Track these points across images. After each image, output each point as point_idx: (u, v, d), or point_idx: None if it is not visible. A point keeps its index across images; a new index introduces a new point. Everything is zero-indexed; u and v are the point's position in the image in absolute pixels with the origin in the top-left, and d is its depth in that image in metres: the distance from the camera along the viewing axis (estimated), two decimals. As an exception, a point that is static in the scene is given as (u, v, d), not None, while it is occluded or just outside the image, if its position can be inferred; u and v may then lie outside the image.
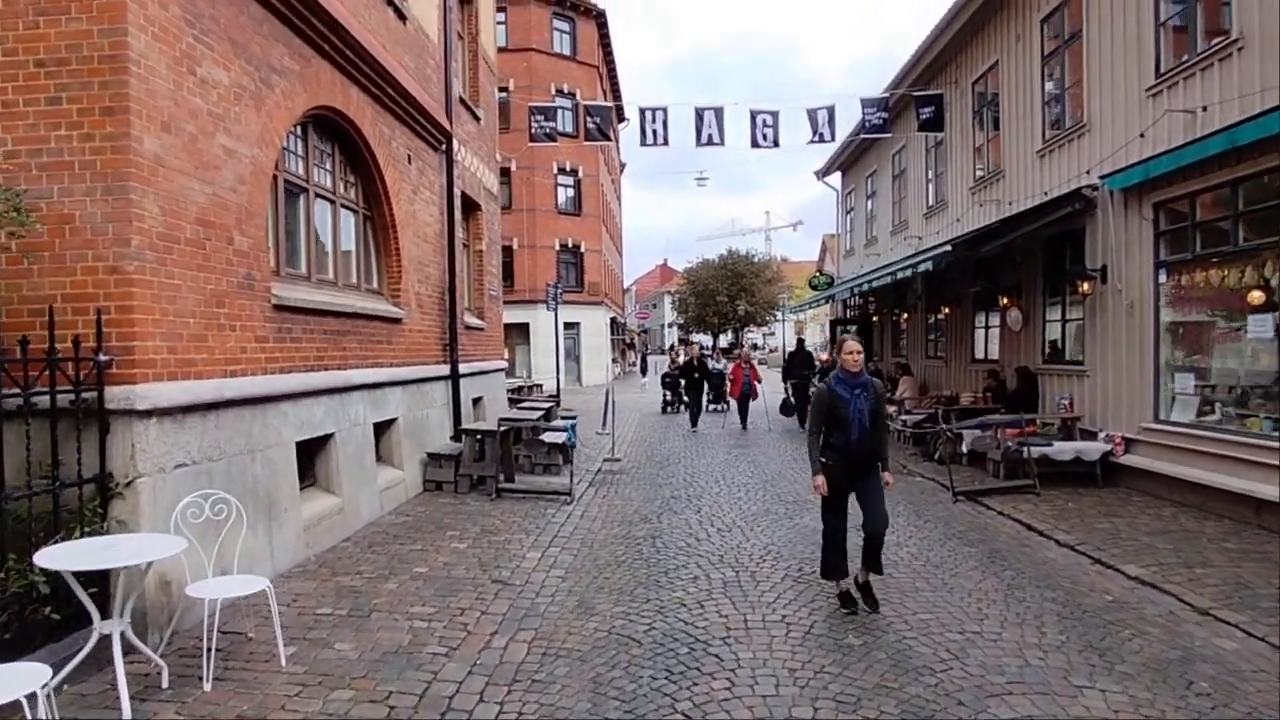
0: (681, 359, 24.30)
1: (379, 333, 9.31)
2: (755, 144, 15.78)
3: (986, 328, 15.02)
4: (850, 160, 25.42)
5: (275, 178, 7.32)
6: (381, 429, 9.51)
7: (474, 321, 13.96)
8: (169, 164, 5.45)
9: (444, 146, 11.95)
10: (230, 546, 5.11)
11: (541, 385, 26.35)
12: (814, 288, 27.07)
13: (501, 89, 36.92)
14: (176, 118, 5.55)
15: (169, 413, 5.31)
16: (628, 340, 62.00)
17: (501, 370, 15.80)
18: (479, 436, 10.45)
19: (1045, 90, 12.69)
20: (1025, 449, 10.28)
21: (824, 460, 5.89)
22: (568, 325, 36.49)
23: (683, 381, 20.04)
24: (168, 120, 5.45)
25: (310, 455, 7.71)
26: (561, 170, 36.91)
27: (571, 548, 7.68)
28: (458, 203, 12.64)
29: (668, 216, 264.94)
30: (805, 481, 10.95)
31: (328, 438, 7.78)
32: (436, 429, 11.16)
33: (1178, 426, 9.34)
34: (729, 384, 18.05)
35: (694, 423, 17.57)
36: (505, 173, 35.65)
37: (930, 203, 17.75)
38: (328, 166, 8.77)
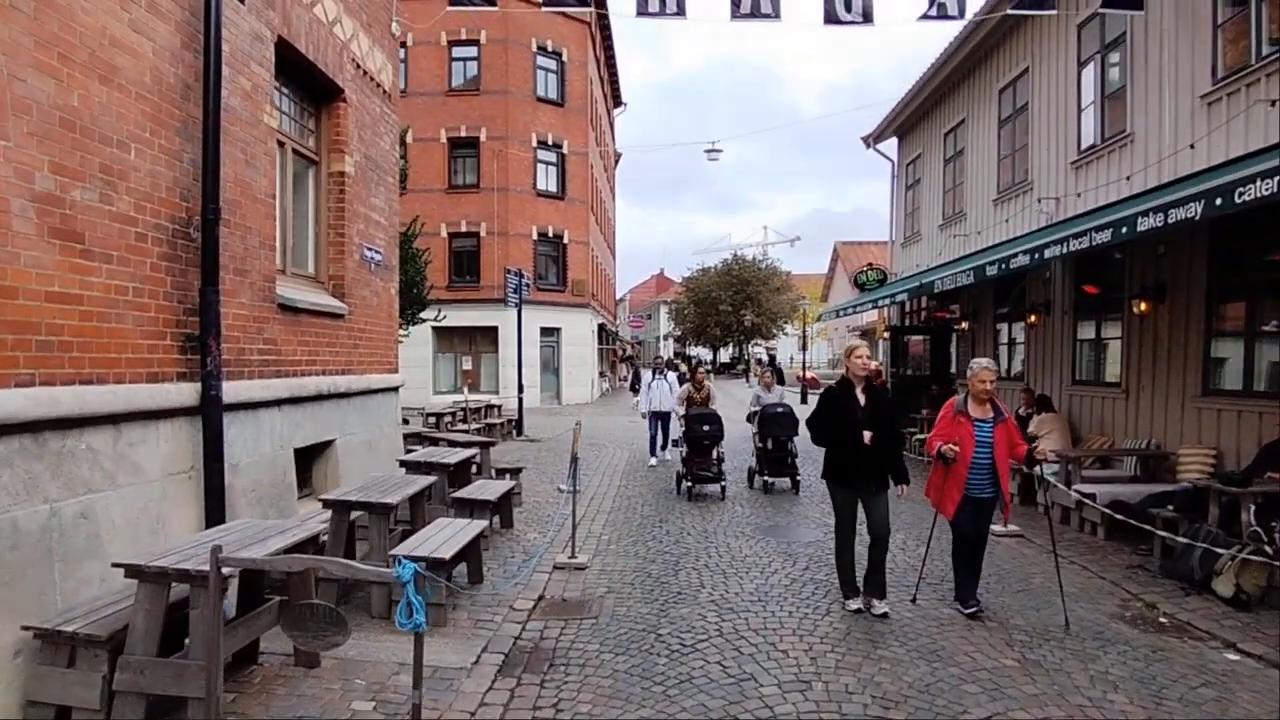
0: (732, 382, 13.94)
1: None
2: (832, 19, 9.31)
3: (1250, 335, 8.48)
4: (917, 117, 19.06)
5: None
6: None
7: (318, 301, 7.47)
8: None
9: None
10: None
11: (499, 406, 19.90)
12: (861, 286, 20.61)
13: (470, 41, 30.64)
14: None
15: None
16: (620, 352, 55.44)
17: (390, 390, 9.26)
18: (169, 588, 3.82)
19: None
20: None
21: None
22: (545, 331, 30.07)
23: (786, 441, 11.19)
24: None
25: None
26: (542, 143, 30.46)
27: None
28: (233, 30, 6.19)
29: (660, 234, 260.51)
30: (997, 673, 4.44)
31: None
32: (131, 542, 4.64)
33: None
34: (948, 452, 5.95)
35: (866, 590, 6.12)
36: (473, 143, 29.49)
37: (1091, 142, 11.28)
38: None
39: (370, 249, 8.69)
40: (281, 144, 7.21)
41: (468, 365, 29.80)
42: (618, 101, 46.05)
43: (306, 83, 7.71)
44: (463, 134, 29.55)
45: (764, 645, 5.19)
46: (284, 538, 4.26)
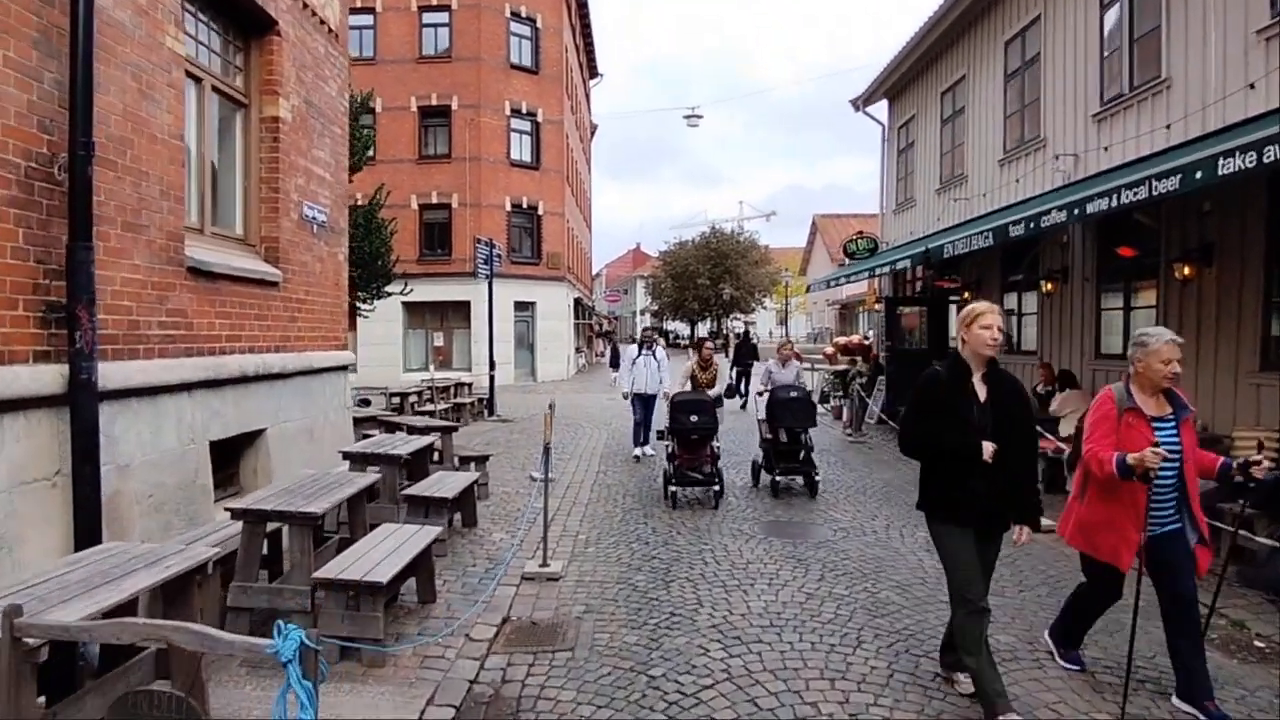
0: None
1: None
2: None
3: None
4: (910, 76, 17.98)
5: None
6: None
7: (244, 266, 6.31)
8: None
9: None
10: None
11: (469, 385, 18.78)
12: (850, 255, 19.58)
13: (441, 7, 29.10)
14: None
15: None
16: (597, 327, 54.23)
17: (336, 370, 8.11)
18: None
19: None
20: None
21: None
22: (519, 305, 28.86)
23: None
24: None
25: None
26: (516, 111, 29.08)
27: None
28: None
29: (636, 211, 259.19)
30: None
31: None
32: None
33: None
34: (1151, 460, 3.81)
35: None
36: (445, 112, 28.09)
37: (1116, 92, 10.24)
38: None
39: (312, 207, 7.52)
40: (197, 79, 6.03)
41: (439, 342, 28.59)
42: (594, 73, 44.55)
43: (229, 9, 6.50)
44: (434, 102, 28.17)
45: (786, 695, 4.13)
46: (152, 573, 3.17)
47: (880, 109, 20.29)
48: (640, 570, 6.39)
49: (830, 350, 27.22)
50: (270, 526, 4.84)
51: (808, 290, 21.56)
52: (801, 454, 9.40)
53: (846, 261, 20.60)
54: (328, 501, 4.81)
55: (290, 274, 7.03)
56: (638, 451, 12.12)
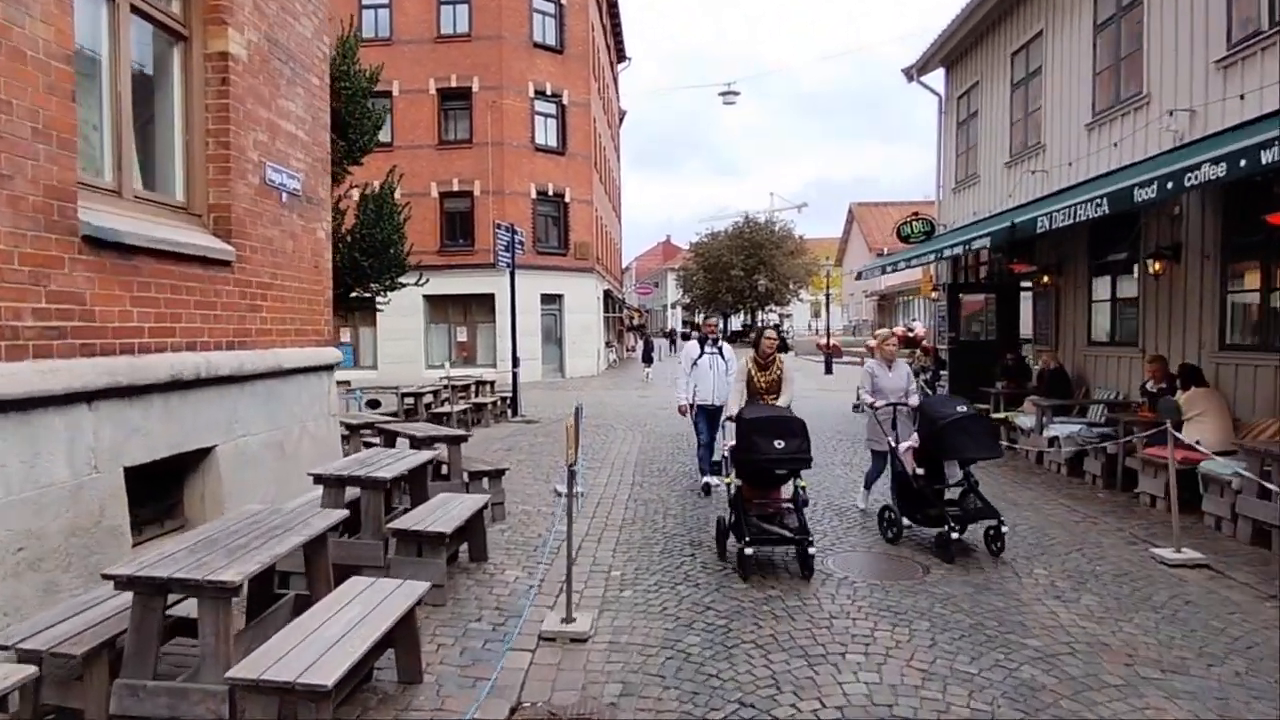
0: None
1: None
2: None
3: None
4: (972, 40, 16.27)
5: None
6: None
7: (178, 239, 4.89)
8: None
9: None
10: None
11: (492, 383, 17.37)
12: (904, 239, 17.91)
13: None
14: None
15: None
16: (628, 321, 52.77)
17: (316, 370, 6.69)
18: None
19: None
20: None
21: None
22: (546, 298, 27.49)
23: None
24: None
25: None
26: (540, 93, 27.66)
27: None
28: None
29: (664, 204, 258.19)
30: None
31: None
32: None
33: None
34: None
35: None
36: (465, 94, 26.71)
37: (1252, 30, 8.53)
38: None
39: (279, 170, 6.10)
40: (111, -5, 4.64)
41: (463, 337, 27.33)
42: (621, 56, 43.01)
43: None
44: (453, 84, 26.81)
45: None
46: None
47: (936, 78, 18.58)
48: (691, 627, 4.93)
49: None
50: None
51: (858, 277, 19.99)
52: (960, 493, 6.80)
53: (886, 251, 19.04)
54: (259, 560, 3.39)
55: (249, 251, 5.63)
56: (709, 480, 8.88)
